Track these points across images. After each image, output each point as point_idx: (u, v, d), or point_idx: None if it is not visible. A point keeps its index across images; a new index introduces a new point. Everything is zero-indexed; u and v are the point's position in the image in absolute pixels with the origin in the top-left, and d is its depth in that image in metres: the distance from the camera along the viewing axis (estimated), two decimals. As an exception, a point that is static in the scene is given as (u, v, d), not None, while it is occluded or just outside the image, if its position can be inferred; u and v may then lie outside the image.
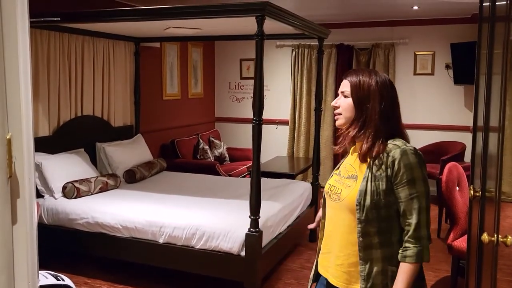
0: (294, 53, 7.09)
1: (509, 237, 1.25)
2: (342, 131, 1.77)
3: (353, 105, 1.69)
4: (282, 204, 3.95)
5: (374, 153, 1.63)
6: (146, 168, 4.92)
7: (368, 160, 1.66)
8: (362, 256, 1.65)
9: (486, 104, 1.75)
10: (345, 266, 1.71)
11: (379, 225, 1.61)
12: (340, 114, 1.73)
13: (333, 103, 1.76)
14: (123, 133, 5.22)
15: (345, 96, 1.72)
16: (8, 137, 1.03)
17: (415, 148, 1.62)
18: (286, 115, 7.27)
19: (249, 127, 7.59)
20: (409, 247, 1.57)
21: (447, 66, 6.45)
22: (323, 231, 1.85)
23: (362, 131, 1.68)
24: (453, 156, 6.00)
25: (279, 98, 7.30)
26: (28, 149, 1.10)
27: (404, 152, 1.59)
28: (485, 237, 1.28)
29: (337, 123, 1.76)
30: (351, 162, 1.76)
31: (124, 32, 4.89)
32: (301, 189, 4.52)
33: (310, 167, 6.41)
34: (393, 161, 1.59)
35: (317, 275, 1.88)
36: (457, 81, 6.24)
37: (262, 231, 3.35)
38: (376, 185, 1.60)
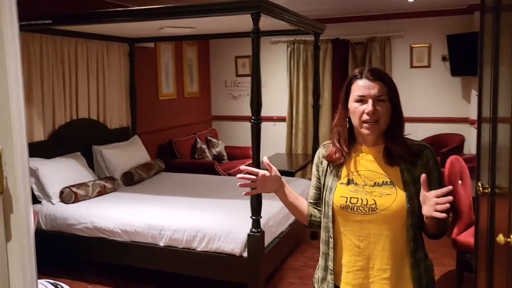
0: (289, 49, 7.03)
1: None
2: (335, 140, 1.68)
3: (391, 109, 1.60)
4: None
5: (412, 156, 1.60)
6: (144, 169, 4.87)
7: (400, 163, 1.61)
8: (413, 262, 1.61)
9: (493, 95, 1.70)
10: (394, 277, 1.63)
11: (419, 225, 1.60)
12: (376, 121, 1.58)
13: (369, 110, 1.56)
14: (120, 135, 5.16)
15: (380, 100, 1.58)
16: (-1, 149, 0.98)
17: None
18: (284, 111, 7.22)
19: (247, 125, 7.54)
20: None
21: (444, 58, 6.40)
22: (336, 248, 1.69)
23: (394, 135, 1.62)
24: (452, 149, 5.97)
25: (276, 95, 7.24)
26: (22, 161, 1.04)
27: (432, 151, 1.62)
28: (501, 238, 1.23)
29: (373, 131, 1.60)
30: (372, 168, 1.64)
31: (117, 33, 4.83)
32: (301, 186, 4.47)
33: (309, 164, 6.38)
34: (428, 162, 1.60)
35: None
36: (454, 72, 6.20)
37: (264, 231, 3.30)
38: (418, 187, 1.55)
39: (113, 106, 5.13)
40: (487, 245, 1.68)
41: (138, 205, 3.90)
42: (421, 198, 1.52)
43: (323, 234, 1.74)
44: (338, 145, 1.67)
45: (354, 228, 1.64)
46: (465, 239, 3.32)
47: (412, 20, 6.48)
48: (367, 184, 1.62)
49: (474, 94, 6.08)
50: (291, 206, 1.80)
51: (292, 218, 4.09)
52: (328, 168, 1.72)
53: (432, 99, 6.56)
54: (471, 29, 5.93)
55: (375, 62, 6.59)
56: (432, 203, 1.44)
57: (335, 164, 1.70)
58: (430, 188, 1.53)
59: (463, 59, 5.97)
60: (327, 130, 6.88)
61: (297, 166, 5.95)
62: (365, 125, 1.58)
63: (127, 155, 4.92)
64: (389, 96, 1.59)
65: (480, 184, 1.73)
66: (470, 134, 6.29)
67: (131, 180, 4.62)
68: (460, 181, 3.52)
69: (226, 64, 7.57)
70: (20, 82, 1.11)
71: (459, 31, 6.05)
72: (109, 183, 4.31)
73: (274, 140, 7.29)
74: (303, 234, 4.57)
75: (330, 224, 1.68)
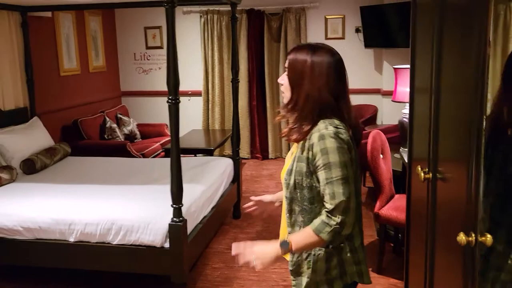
0: (202, 19, 6.69)
1: (489, 236, 1.10)
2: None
3: (289, 84, 1.66)
4: (204, 186, 3.69)
5: (293, 138, 1.61)
6: (47, 155, 4.37)
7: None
8: (290, 231, 1.69)
9: (437, 64, 1.60)
10: None
11: (302, 205, 1.62)
12: (283, 92, 1.70)
13: (279, 79, 1.70)
14: (16, 117, 4.56)
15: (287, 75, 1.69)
16: None
17: (336, 132, 1.53)
18: (199, 86, 6.92)
19: (159, 100, 7.18)
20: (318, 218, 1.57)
21: (357, 30, 6.46)
22: None
23: (290, 114, 1.65)
24: (367, 119, 6.10)
25: (190, 69, 6.89)
26: None
27: (322, 136, 1.54)
28: (462, 238, 1.13)
29: (284, 101, 1.72)
30: None
31: (5, 0, 4.20)
32: (222, 166, 4.28)
33: (227, 140, 6.19)
34: (312, 145, 1.56)
35: None
36: (367, 44, 6.28)
37: (186, 220, 3.07)
38: (300, 166, 1.60)
39: (5, 84, 4.50)
40: (428, 236, 1.60)
41: (42, 197, 3.46)
42: None
43: None
44: None
45: None
46: (387, 213, 3.35)
47: (325, -10, 6.43)
48: (293, 153, 1.72)
49: (386, 65, 6.22)
50: None
51: (214, 201, 3.90)
52: None
53: (347, 71, 6.59)
54: (382, 1, 6.00)
55: (291, 33, 6.48)
56: None
57: None
58: (317, 172, 1.55)
59: (376, 31, 6.04)
60: (244, 104, 6.71)
61: (215, 143, 5.74)
62: None
63: (26, 139, 4.38)
64: (288, 71, 1.64)
65: (419, 169, 1.63)
66: (382, 105, 6.46)
67: (32, 168, 4.12)
68: (381, 155, 3.52)
69: (134, 35, 7.06)
70: None
71: (372, 3, 6.10)
72: (6, 173, 3.79)
73: (190, 116, 6.99)
74: (225, 215, 4.40)
75: None
